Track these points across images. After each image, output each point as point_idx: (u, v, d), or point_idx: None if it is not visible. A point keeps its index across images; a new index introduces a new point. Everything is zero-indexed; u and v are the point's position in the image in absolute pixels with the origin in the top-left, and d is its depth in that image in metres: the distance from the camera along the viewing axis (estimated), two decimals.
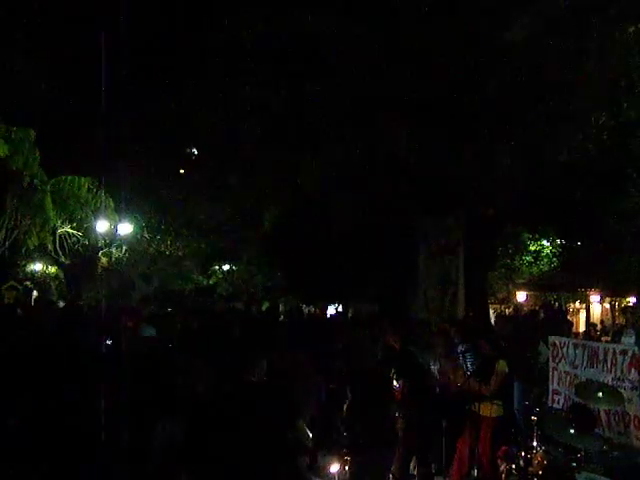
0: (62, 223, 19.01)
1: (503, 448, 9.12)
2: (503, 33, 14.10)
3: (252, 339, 10.83)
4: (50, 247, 19.47)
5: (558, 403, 9.84)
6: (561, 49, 14.03)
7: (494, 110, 14.70)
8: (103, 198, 18.17)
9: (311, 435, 7.55)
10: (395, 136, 15.24)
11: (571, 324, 20.20)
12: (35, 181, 16.53)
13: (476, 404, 9.51)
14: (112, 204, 18.67)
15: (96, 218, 19.12)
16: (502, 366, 9.55)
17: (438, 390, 10.44)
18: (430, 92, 14.57)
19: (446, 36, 14.38)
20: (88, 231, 19.86)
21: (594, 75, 13.98)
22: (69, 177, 17.96)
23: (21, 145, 15.80)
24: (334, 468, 7.93)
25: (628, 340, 11.65)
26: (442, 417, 9.64)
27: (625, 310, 16.38)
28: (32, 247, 17.92)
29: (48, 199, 17.03)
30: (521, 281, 27.67)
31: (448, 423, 9.62)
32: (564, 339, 10.42)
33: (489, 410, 9.40)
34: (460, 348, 10.97)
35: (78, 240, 20.17)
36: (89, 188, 18.05)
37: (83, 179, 17.98)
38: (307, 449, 7.76)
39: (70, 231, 19.57)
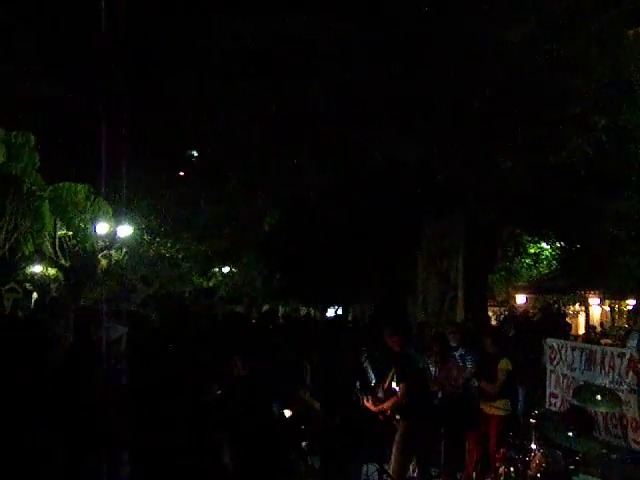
0: (60, 228, 19.00)
1: (502, 450, 9.16)
2: (502, 34, 14.13)
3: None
4: (48, 251, 19.46)
5: (555, 406, 9.88)
6: (560, 52, 14.06)
7: (494, 113, 14.73)
8: (101, 204, 18.12)
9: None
10: (395, 139, 15.26)
11: (570, 327, 20.26)
12: (33, 187, 16.49)
13: (484, 403, 9.59)
14: (110, 211, 18.62)
15: (95, 221, 19.10)
16: (505, 364, 9.64)
17: (440, 394, 10.52)
18: (430, 96, 14.59)
19: (446, 38, 14.41)
20: (86, 237, 19.85)
21: (593, 78, 14.01)
22: (67, 184, 17.91)
23: (21, 150, 15.78)
24: None
25: (631, 343, 11.69)
26: (442, 421, 9.71)
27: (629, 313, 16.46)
28: (27, 253, 17.88)
29: (46, 206, 16.99)
30: (520, 284, 27.67)
31: (448, 426, 9.69)
32: (562, 342, 10.46)
33: (496, 409, 9.48)
34: (460, 352, 11.02)
35: (78, 242, 20.18)
36: (87, 195, 18.00)
37: (80, 186, 17.91)
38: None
39: (69, 233, 19.58)
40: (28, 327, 10.18)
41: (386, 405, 9.19)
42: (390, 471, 8.93)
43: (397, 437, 8.97)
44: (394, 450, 8.94)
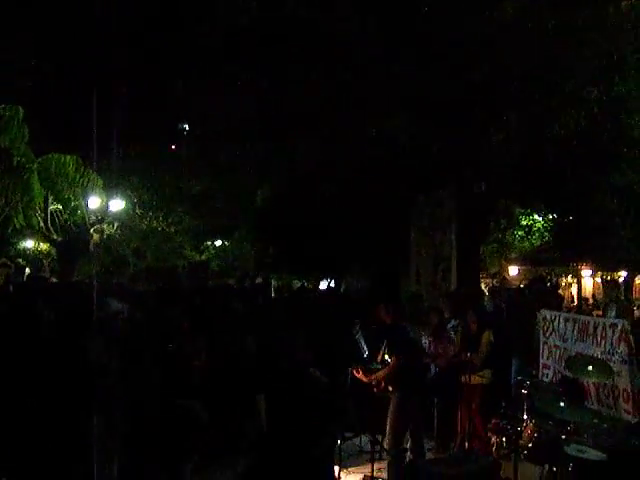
0: (52, 202, 18.92)
1: (493, 421, 9.22)
2: (494, 7, 14.04)
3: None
4: (39, 225, 19.40)
5: (547, 377, 9.93)
6: (553, 24, 13.97)
7: (486, 85, 14.66)
8: (91, 176, 18.01)
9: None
10: (387, 114, 15.18)
11: (562, 298, 20.34)
12: (22, 159, 16.37)
13: (467, 375, 9.68)
14: (100, 183, 18.50)
15: (86, 195, 18.99)
16: (487, 337, 9.76)
17: (434, 367, 10.60)
18: (422, 70, 14.51)
19: (436, 12, 14.31)
20: (76, 210, 19.77)
21: (586, 50, 13.95)
22: (55, 155, 17.78)
23: (9, 123, 15.67)
24: None
25: (610, 314, 11.76)
26: (434, 392, 9.79)
27: (607, 285, 16.54)
28: (19, 226, 17.79)
29: (35, 178, 16.87)
30: (513, 256, 27.73)
31: (440, 398, 9.77)
32: (554, 313, 10.49)
33: (477, 379, 9.59)
34: (452, 323, 11.09)
35: (70, 216, 20.12)
36: (76, 167, 17.86)
37: (69, 157, 17.78)
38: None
39: (59, 207, 19.50)
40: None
41: (379, 374, 9.23)
42: (385, 443, 8.99)
43: (391, 408, 9.01)
44: (388, 422, 8.99)
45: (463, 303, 12.08)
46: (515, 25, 13.89)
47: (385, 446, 8.99)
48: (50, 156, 17.70)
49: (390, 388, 9.09)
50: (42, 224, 19.66)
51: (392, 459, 8.83)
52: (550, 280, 25.21)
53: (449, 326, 11.12)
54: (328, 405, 7.57)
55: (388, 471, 8.85)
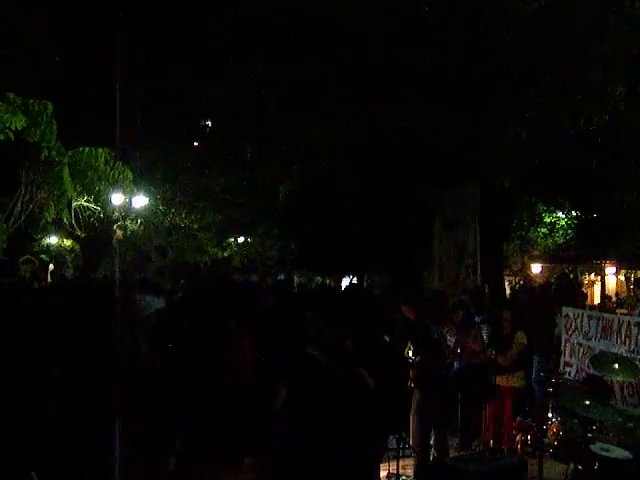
0: (79, 196, 18.98)
1: (518, 419, 9.22)
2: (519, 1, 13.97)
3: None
4: (66, 220, 19.50)
5: (570, 375, 9.90)
6: (578, 18, 13.89)
7: (509, 81, 14.61)
8: (121, 169, 18.07)
9: None
10: (409, 109, 15.17)
11: (585, 296, 20.24)
12: (52, 153, 16.43)
13: (499, 376, 9.64)
14: (130, 176, 18.55)
15: (112, 190, 19.04)
16: (521, 337, 9.68)
17: (458, 363, 10.56)
18: (444, 62, 14.46)
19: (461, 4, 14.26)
20: (104, 204, 19.81)
21: (611, 45, 13.86)
22: (86, 148, 17.83)
23: (39, 118, 15.72)
24: None
25: (637, 312, 11.70)
26: (458, 390, 9.77)
27: (637, 283, 16.40)
28: (49, 220, 17.88)
29: (66, 171, 16.89)
30: (536, 253, 27.60)
31: (465, 395, 9.75)
32: (578, 310, 10.46)
33: (510, 381, 9.54)
34: (476, 319, 11.06)
35: (93, 213, 20.18)
36: (106, 160, 17.93)
37: (100, 150, 17.79)
38: None
39: (86, 204, 19.58)
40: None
41: None
42: (410, 440, 9.01)
43: (414, 406, 9.03)
44: (412, 420, 9.01)
45: (489, 300, 12.06)
46: (538, 19, 13.81)
47: (410, 443, 9.01)
48: (81, 149, 17.74)
49: (414, 385, 9.10)
50: (66, 220, 19.76)
51: (417, 456, 8.84)
52: (575, 278, 25.11)
53: (476, 320, 11.08)
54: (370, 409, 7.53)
55: (414, 468, 8.87)
